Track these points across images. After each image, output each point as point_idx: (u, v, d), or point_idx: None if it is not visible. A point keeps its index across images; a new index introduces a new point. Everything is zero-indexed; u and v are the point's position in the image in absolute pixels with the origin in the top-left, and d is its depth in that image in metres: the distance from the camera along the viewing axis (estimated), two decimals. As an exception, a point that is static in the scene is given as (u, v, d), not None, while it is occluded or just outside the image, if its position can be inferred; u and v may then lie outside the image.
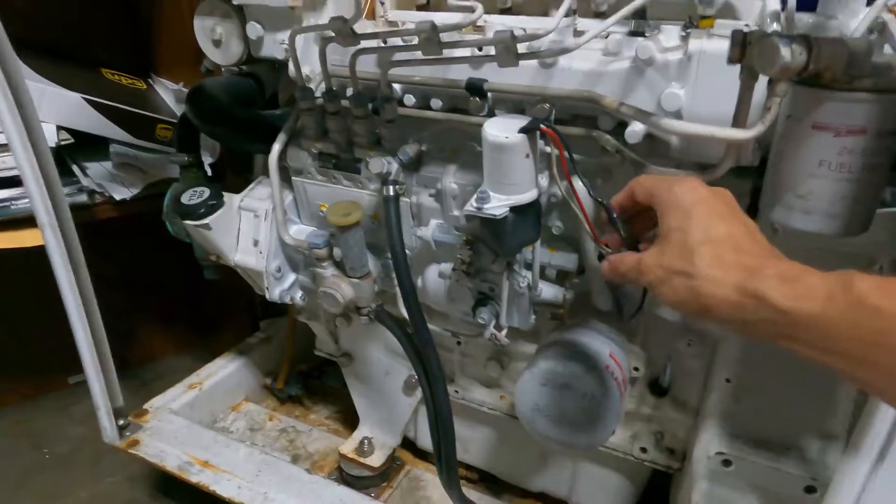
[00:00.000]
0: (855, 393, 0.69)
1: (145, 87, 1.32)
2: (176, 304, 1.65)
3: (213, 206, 0.82)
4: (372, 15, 0.89)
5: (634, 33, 0.70)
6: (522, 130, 0.59)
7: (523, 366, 0.81)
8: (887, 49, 0.60)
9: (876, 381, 0.36)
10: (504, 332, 0.80)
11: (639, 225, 0.56)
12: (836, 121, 0.50)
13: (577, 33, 0.72)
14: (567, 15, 0.76)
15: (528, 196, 0.63)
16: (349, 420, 1.22)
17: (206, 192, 0.83)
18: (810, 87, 0.51)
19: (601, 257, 0.68)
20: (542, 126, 0.58)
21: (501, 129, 0.60)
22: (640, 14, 0.69)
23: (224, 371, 1.21)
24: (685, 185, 0.47)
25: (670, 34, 0.70)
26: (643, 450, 0.91)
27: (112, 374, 0.92)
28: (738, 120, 0.55)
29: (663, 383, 0.87)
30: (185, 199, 0.82)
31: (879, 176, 0.53)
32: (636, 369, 0.87)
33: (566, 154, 0.59)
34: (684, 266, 0.44)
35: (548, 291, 0.80)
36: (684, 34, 0.67)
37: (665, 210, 0.47)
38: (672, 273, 0.45)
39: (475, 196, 0.63)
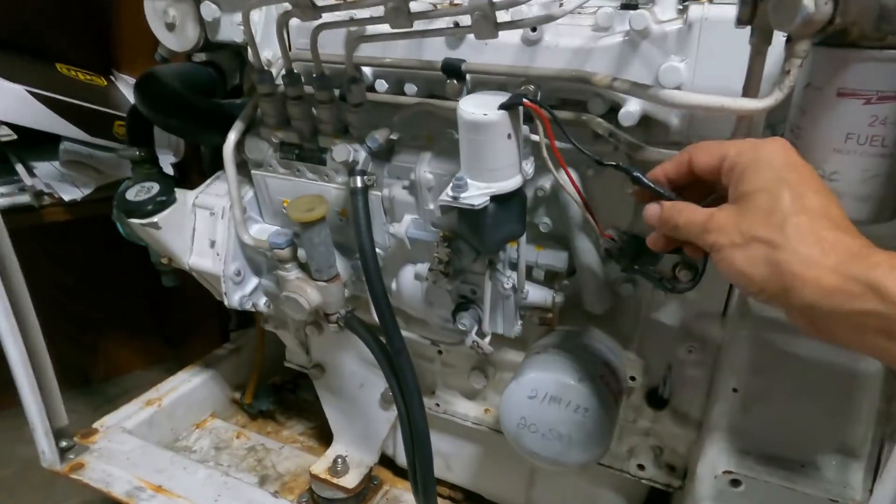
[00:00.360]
0: (878, 402, 0.62)
1: (105, 83, 1.24)
2: (144, 315, 1.57)
3: (163, 202, 0.74)
4: (342, -5, 0.82)
5: (626, 6, 0.63)
6: (503, 107, 0.51)
7: (510, 376, 0.73)
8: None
9: None
10: (487, 339, 0.72)
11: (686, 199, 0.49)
12: (866, 85, 0.43)
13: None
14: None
15: (510, 183, 0.56)
16: (325, 436, 1.13)
17: (155, 187, 0.75)
18: (834, 48, 0.44)
19: (608, 252, 0.61)
20: (525, 101, 0.51)
21: (479, 106, 0.52)
22: (632, -15, 0.63)
23: (188, 385, 1.12)
24: (777, 145, 0.41)
25: (666, 6, 0.63)
26: (640, 466, 0.83)
27: (53, 389, 0.83)
28: (749, 91, 0.48)
29: (663, 394, 0.80)
30: (130, 195, 0.74)
31: (918, 149, 0.46)
32: (632, 379, 0.79)
33: (560, 148, 0.52)
34: (771, 235, 0.37)
35: (535, 294, 0.73)
36: (681, 7, 0.61)
37: (746, 170, 0.40)
38: (752, 239, 0.38)
39: (451, 184, 0.56)
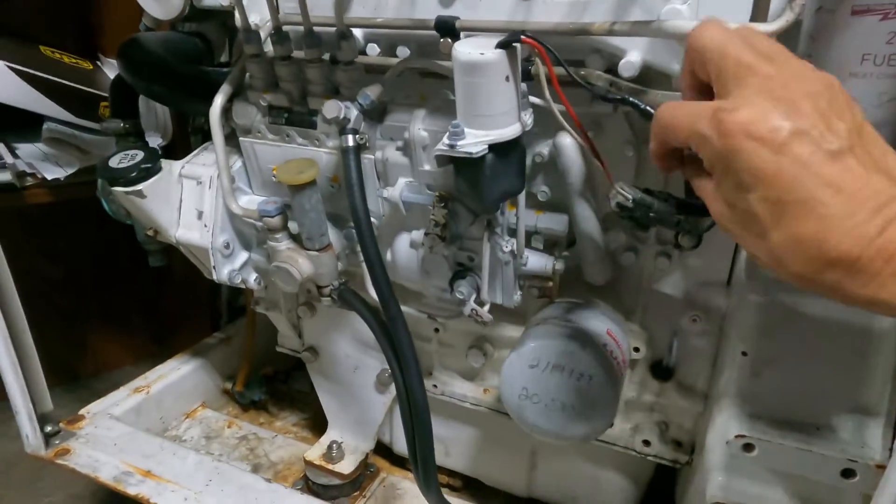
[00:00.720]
0: (894, 358, 0.59)
1: (91, 66, 1.21)
2: (133, 309, 1.53)
3: (148, 170, 0.71)
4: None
5: (625, -43, 0.61)
6: (500, 45, 0.49)
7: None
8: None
9: None
10: (486, 307, 0.70)
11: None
12: None
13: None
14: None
15: (510, 131, 0.53)
16: (319, 426, 1.09)
17: (140, 154, 0.72)
18: None
19: (620, 207, 0.58)
20: (523, 38, 0.49)
21: (476, 47, 0.50)
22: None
23: (177, 373, 1.09)
24: (767, 146, 0.32)
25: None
26: (646, 443, 0.81)
27: (37, 373, 0.79)
28: (758, 15, 0.45)
29: (668, 363, 0.77)
30: (113, 162, 0.71)
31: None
32: (636, 350, 0.77)
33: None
34: (763, 255, 0.34)
35: (535, 261, 0.70)
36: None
37: (732, 169, 0.34)
38: (746, 243, 0.35)
39: (447, 133, 0.53)
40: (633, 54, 0.60)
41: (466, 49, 0.50)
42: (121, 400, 0.98)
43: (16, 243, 1.29)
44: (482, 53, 0.49)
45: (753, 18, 0.46)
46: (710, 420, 0.70)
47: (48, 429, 0.83)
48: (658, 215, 0.53)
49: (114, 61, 1.24)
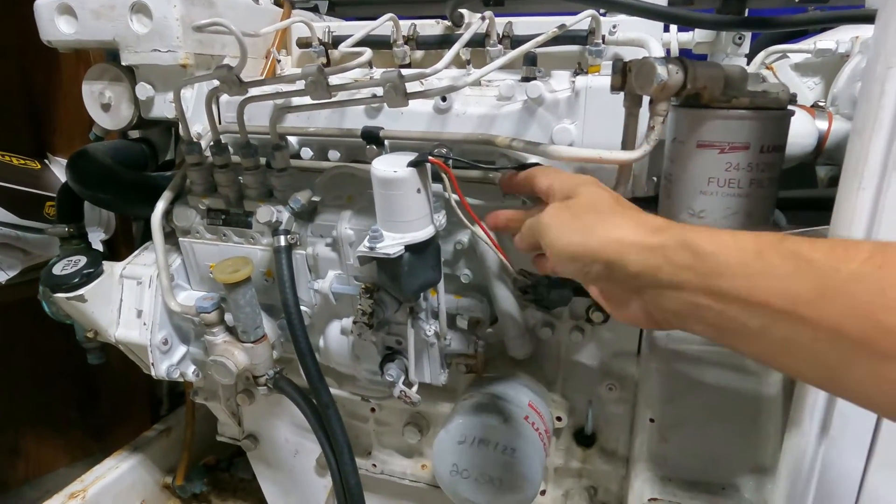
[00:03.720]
0: (781, 422, 0.66)
1: (39, 166, 1.23)
2: (68, 405, 1.47)
3: (89, 275, 0.74)
4: (272, 74, 0.88)
5: (526, 79, 0.72)
6: (411, 164, 0.57)
7: (442, 427, 0.75)
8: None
9: (803, 335, 0.32)
10: (415, 388, 0.74)
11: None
12: (719, 138, 0.50)
13: (469, 80, 0.73)
14: (462, 67, 0.78)
15: (423, 233, 0.60)
16: (263, 515, 1.09)
17: (82, 260, 0.75)
18: (691, 108, 0.52)
19: (522, 290, 0.66)
20: (430, 157, 0.56)
21: (390, 164, 0.58)
22: (531, 61, 0.71)
23: (115, 472, 1.07)
24: (592, 178, 0.49)
25: (561, 78, 0.72)
26: (576, 509, 0.85)
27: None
28: (626, 145, 0.55)
29: (587, 431, 0.83)
30: (57, 269, 0.74)
31: (768, 191, 0.53)
32: (559, 419, 0.82)
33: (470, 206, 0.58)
34: (596, 216, 0.43)
35: (458, 341, 0.76)
36: (573, 79, 0.69)
37: (567, 189, 0.48)
38: (581, 214, 0.44)
39: (367, 236, 0.60)
40: (533, 160, 0.69)
41: (382, 166, 0.57)
42: (55, 507, 0.95)
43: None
44: (395, 171, 0.56)
45: (623, 148, 0.55)
46: (629, 484, 0.75)
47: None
48: (556, 296, 0.60)
49: (62, 160, 1.27)
